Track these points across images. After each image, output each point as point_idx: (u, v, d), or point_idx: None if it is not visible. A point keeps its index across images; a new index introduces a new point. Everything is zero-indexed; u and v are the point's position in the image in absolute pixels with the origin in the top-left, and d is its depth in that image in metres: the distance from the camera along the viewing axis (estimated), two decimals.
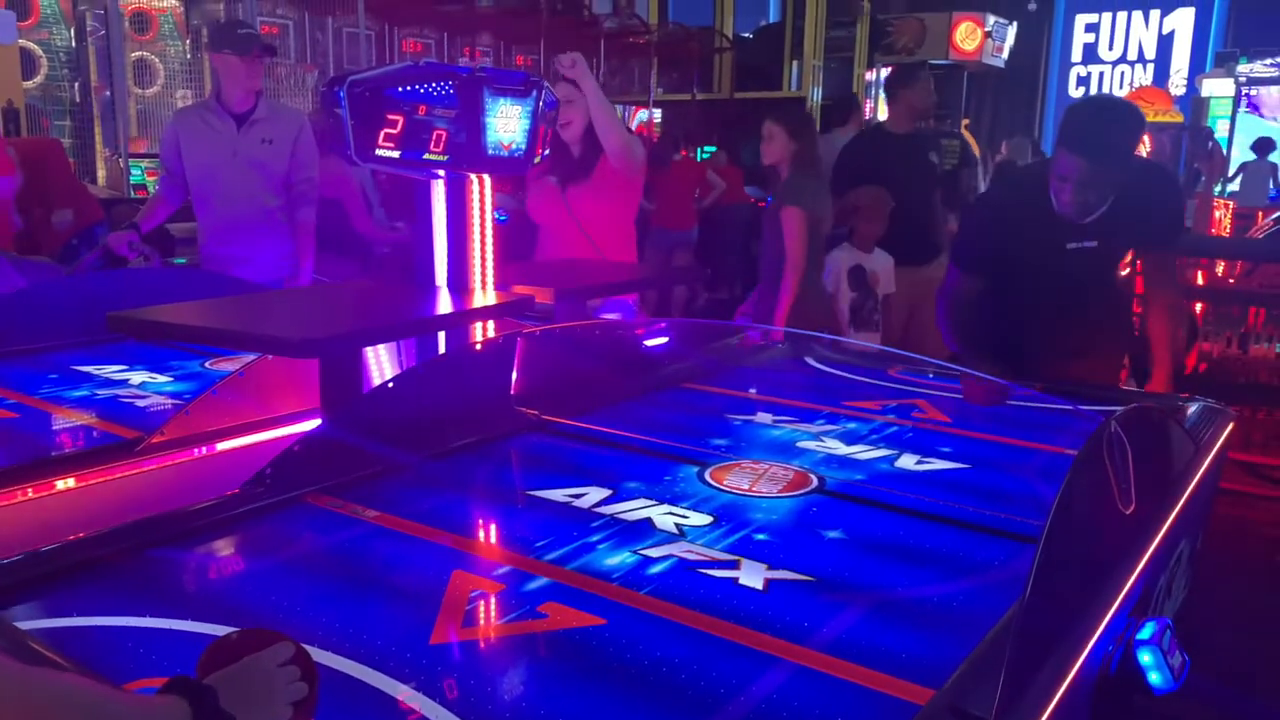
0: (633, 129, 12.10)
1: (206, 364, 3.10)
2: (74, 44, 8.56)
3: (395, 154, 2.46)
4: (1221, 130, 15.23)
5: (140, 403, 2.67)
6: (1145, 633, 1.59)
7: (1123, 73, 20.77)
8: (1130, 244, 2.68)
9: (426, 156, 2.53)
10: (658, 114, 12.66)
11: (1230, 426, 2.50)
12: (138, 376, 2.94)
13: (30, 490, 2.02)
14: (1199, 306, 4.99)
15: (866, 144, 5.19)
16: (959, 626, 1.49)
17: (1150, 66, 20.44)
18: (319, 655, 1.33)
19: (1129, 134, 2.65)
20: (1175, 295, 2.99)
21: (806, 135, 4.26)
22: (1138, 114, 2.70)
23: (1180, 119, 15.04)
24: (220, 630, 1.38)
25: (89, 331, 3.12)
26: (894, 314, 4.59)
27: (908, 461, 2.28)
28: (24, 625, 1.37)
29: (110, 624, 1.44)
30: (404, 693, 1.28)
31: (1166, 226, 2.75)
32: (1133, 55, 20.72)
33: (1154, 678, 1.56)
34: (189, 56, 9.06)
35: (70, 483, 2.08)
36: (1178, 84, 19.44)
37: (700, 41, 13.07)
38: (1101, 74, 20.96)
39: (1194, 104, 16.68)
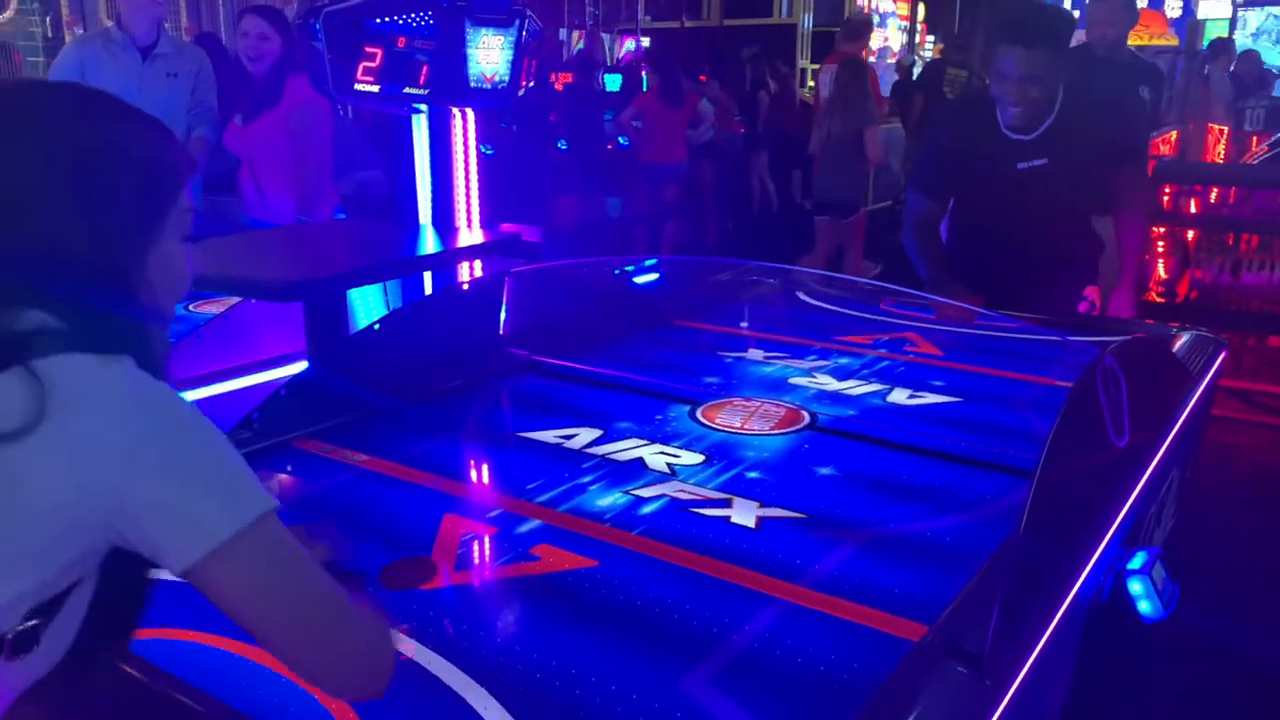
0: (619, 57, 11.89)
1: (191, 306, 3.05)
2: None
3: (375, 88, 2.40)
4: None
5: None
6: (1136, 562, 1.60)
7: None
8: (1083, 159, 2.66)
9: (407, 90, 2.46)
10: (645, 42, 12.39)
11: (1222, 356, 2.49)
12: None
13: None
14: (1191, 234, 4.95)
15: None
16: (952, 561, 1.49)
17: None
18: None
19: (1061, 22, 2.74)
20: (1141, 213, 2.97)
21: None
22: (1067, 11, 2.78)
23: (1175, 42, 14.80)
24: None
25: None
26: None
27: (900, 396, 2.27)
28: None
29: None
30: (396, 638, 1.27)
31: (1121, 137, 2.73)
32: None
33: (1144, 606, 1.57)
34: None
35: None
36: (1174, 6, 19.08)
37: None
38: None
39: (1189, 27, 16.38)
